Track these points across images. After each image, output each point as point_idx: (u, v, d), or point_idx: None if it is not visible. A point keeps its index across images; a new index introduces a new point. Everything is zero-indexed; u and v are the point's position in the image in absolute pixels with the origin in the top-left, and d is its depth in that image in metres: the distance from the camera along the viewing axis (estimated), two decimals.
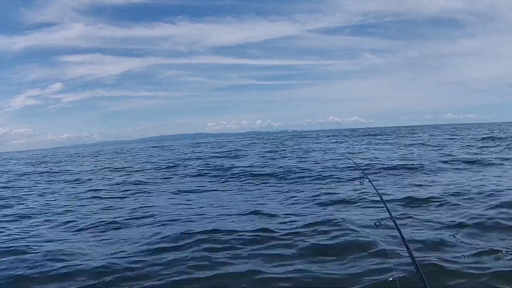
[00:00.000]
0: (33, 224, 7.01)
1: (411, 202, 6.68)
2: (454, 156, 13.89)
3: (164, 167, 16.96)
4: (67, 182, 13.89)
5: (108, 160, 25.96)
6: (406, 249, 2.31)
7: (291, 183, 10.22)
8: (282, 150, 24.15)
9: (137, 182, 12.28)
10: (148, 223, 6.49)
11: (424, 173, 10.38)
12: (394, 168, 11.49)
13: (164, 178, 13.02)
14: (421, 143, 22.88)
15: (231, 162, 16.76)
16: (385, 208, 3.37)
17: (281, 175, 11.52)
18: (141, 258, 4.57)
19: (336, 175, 10.87)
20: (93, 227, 6.48)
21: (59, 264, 4.47)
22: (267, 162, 16.16)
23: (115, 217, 7.05)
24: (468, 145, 19.50)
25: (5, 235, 6.10)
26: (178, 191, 10.12)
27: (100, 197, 9.98)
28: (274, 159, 17.51)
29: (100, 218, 7.05)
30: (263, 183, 10.62)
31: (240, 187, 10.21)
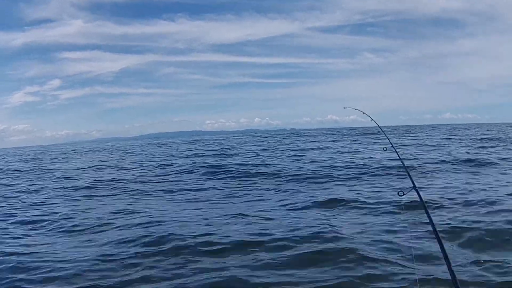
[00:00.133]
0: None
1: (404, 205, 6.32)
2: (451, 156, 13.58)
3: (156, 165, 16.60)
4: (53, 179, 13.54)
5: (101, 157, 25.58)
6: (431, 226, 2.29)
7: (281, 183, 9.87)
8: (277, 148, 23.81)
9: (123, 181, 11.97)
10: (123, 225, 6.17)
11: (420, 174, 10.02)
12: (390, 168, 11.13)
13: (153, 177, 12.68)
14: (418, 143, 22.59)
15: (223, 161, 16.42)
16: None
17: (273, 175, 11.20)
18: (106, 265, 4.25)
19: (329, 174, 10.56)
20: (57, 229, 6.15)
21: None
22: (258, 161, 15.82)
23: (84, 219, 6.73)
24: (466, 146, 19.22)
25: None
26: (164, 190, 9.77)
27: (76, 196, 9.66)
28: (268, 157, 17.19)
29: (70, 219, 6.75)
30: (253, 183, 10.28)
31: (229, 187, 9.87)
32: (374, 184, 8.93)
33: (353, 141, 29.50)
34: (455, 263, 3.77)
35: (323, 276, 3.82)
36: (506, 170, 10.33)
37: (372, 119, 5.90)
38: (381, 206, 6.49)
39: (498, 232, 4.77)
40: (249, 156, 18.77)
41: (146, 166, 16.78)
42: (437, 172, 10.32)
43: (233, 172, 12.30)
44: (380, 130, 5.66)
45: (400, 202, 6.27)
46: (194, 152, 24.24)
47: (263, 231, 5.29)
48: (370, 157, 14.74)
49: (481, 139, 23.80)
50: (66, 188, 11.08)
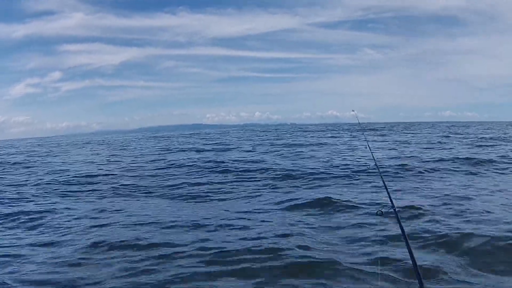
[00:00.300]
0: None
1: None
2: (451, 155, 13.24)
3: (147, 160, 16.28)
4: (40, 174, 13.23)
5: (96, 151, 25.27)
6: (405, 244, 2.14)
7: (267, 183, 9.45)
8: (273, 144, 23.47)
9: (108, 176, 11.69)
10: (80, 228, 5.86)
11: (413, 176, 9.65)
12: (383, 168, 10.75)
13: (139, 172, 12.30)
14: (417, 141, 22.25)
15: (217, 156, 16.09)
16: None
17: (260, 172, 10.86)
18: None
19: (317, 174, 10.15)
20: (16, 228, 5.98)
21: None
22: (251, 157, 15.49)
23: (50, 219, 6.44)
24: (466, 144, 18.88)
25: None
26: (142, 188, 9.44)
27: (53, 193, 9.35)
28: (262, 153, 16.86)
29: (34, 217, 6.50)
30: (236, 180, 9.97)
31: (212, 184, 9.54)
32: (363, 185, 8.58)
33: (353, 137, 29.19)
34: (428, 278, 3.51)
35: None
36: (504, 170, 10.00)
37: (360, 123, 5.68)
38: (358, 210, 6.16)
39: (482, 245, 4.38)
40: (244, 151, 18.44)
41: (136, 160, 16.44)
42: (433, 172, 9.98)
43: (223, 168, 11.97)
44: (363, 134, 5.35)
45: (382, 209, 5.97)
46: (190, 146, 23.92)
47: (232, 238, 4.97)
48: (363, 156, 14.40)
49: (481, 138, 23.47)
50: (48, 182, 10.82)
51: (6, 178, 12.62)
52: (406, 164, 11.22)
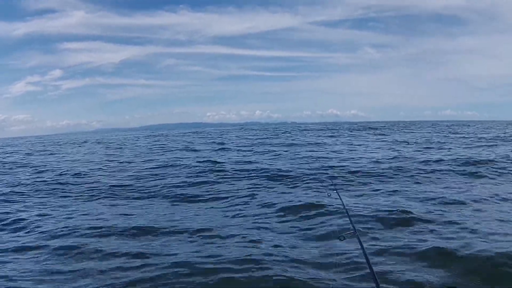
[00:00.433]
0: None
1: (370, 220, 5.63)
2: (449, 155, 12.97)
3: (137, 160, 16.02)
4: (24, 174, 13.00)
5: (90, 150, 25.01)
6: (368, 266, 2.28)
7: (252, 185, 9.13)
8: (271, 143, 23.19)
9: (79, 176, 11.53)
10: (58, 232, 5.70)
11: (409, 178, 9.30)
12: (374, 171, 10.41)
13: (123, 175, 11.92)
14: (416, 141, 21.99)
15: (209, 156, 15.82)
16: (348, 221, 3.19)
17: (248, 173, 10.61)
18: None
19: (301, 177, 9.74)
20: None
21: None
22: (243, 157, 15.24)
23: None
24: (465, 144, 18.62)
25: None
26: (121, 190, 9.21)
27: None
28: (256, 153, 16.59)
29: None
30: (219, 182, 9.76)
31: (195, 186, 9.29)
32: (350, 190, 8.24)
33: (352, 136, 28.94)
34: None
35: None
36: (502, 171, 9.72)
37: None
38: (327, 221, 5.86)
39: (466, 262, 3.99)
40: (240, 151, 18.18)
41: (128, 160, 16.19)
42: (430, 174, 9.69)
43: (212, 169, 11.71)
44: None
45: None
46: (187, 145, 23.69)
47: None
48: (361, 157, 14.16)
49: (481, 137, 23.21)
50: (33, 183, 10.63)
51: None
52: (402, 166, 10.94)
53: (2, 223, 6.48)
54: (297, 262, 4.15)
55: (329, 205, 6.31)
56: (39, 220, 6.58)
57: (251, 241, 4.90)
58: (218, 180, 9.94)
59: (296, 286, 3.63)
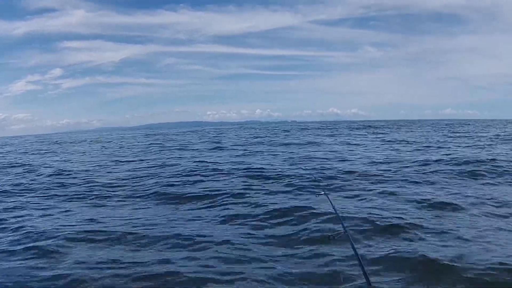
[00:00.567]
0: None
1: (361, 223, 5.36)
2: (448, 156, 12.71)
3: (123, 160, 15.78)
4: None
5: (84, 149, 24.74)
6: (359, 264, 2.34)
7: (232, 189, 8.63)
8: (269, 143, 22.94)
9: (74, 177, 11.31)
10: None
11: (395, 183, 8.69)
12: (370, 172, 10.14)
13: (101, 175, 11.77)
14: (416, 141, 21.74)
15: (199, 156, 15.58)
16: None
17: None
18: None
19: (293, 177, 9.35)
20: None
21: None
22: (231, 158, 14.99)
23: None
24: (465, 143, 18.37)
25: None
26: (93, 190, 9.00)
27: None
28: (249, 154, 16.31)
29: None
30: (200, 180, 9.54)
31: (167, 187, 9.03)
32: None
33: (351, 135, 28.70)
34: None
35: None
36: (500, 174, 9.45)
37: None
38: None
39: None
40: (234, 150, 17.91)
41: (115, 160, 15.95)
42: (425, 176, 9.43)
43: (200, 170, 11.42)
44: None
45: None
46: (181, 145, 23.45)
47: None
48: (358, 157, 13.91)
49: (480, 137, 22.96)
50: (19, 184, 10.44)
51: None
52: (399, 168, 10.70)
53: None
54: (286, 268, 3.93)
55: (319, 207, 6.08)
56: (20, 221, 6.38)
57: (237, 248, 4.68)
58: (206, 180, 9.68)
59: None
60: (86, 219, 6.37)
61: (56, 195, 8.86)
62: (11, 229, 5.93)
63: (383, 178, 9.16)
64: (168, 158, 15.66)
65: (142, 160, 15.45)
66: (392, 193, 7.43)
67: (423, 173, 9.77)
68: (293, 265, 4.11)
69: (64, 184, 10.18)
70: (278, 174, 9.90)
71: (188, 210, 6.94)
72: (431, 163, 11.24)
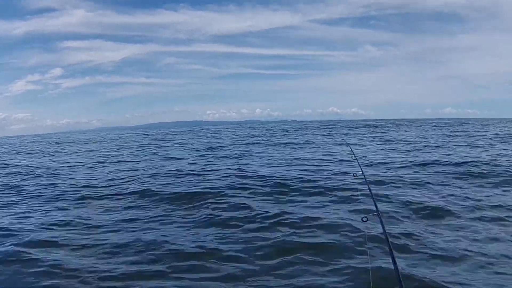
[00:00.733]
0: None
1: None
2: (442, 158, 12.46)
3: (106, 160, 15.56)
4: None
5: (73, 150, 24.47)
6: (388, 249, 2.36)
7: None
8: (265, 143, 22.69)
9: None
10: None
11: (392, 186, 8.28)
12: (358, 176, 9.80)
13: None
14: (415, 140, 21.49)
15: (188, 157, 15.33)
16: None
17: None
18: None
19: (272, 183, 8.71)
20: None
21: None
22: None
23: None
24: (464, 143, 18.11)
25: None
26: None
27: None
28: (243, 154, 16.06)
29: None
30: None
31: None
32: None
33: (348, 135, 28.48)
34: None
35: None
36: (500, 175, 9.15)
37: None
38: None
39: None
40: (228, 150, 17.66)
41: (98, 162, 15.68)
42: (422, 178, 9.15)
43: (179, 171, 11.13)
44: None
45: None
46: (176, 144, 23.20)
47: None
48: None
49: (480, 136, 22.71)
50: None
51: None
52: (396, 169, 10.45)
53: None
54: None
55: (288, 214, 5.90)
56: None
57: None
58: (183, 183, 9.39)
59: None
60: (51, 223, 6.14)
61: (30, 195, 8.68)
62: None
63: (379, 180, 8.91)
64: (159, 160, 15.41)
65: (131, 161, 15.23)
66: (386, 196, 7.18)
67: (421, 174, 9.52)
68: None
69: (41, 184, 9.99)
70: (262, 177, 9.59)
71: (164, 212, 6.65)
72: (430, 164, 10.98)
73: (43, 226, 6.02)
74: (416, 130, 33.62)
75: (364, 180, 4.07)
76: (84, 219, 6.37)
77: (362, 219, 2.81)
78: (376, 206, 3.04)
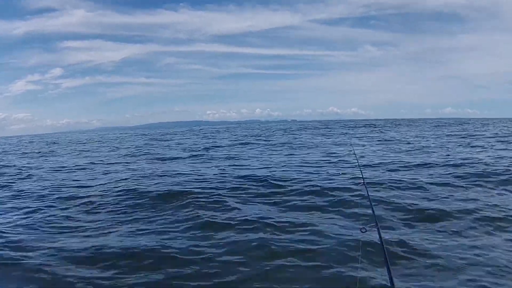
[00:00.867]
0: None
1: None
2: (438, 159, 12.28)
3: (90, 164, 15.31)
4: None
5: (65, 151, 24.25)
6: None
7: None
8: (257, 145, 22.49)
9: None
10: None
11: (388, 188, 7.99)
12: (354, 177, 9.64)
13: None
14: (413, 141, 21.31)
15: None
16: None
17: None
18: None
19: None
20: None
21: None
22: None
23: None
24: (466, 144, 17.91)
25: None
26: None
27: None
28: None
29: None
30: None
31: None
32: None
33: (349, 135, 28.30)
34: None
35: None
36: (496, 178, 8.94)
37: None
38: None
39: None
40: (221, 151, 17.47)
41: (87, 163, 15.43)
42: (417, 182, 8.97)
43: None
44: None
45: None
46: (172, 145, 23.02)
47: None
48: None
49: (479, 136, 22.51)
50: None
51: None
52: (393, 171, 10.26)
53: None
54: None
55: (279, 217, 5.70)
56: None
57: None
58: (171, 184, 9.12)
59: None
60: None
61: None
62: None
63: (376, 181, 8.71)
64: (151, 160, 15.22)
65: (123, 162, 15.00)
66: (382, 198, 6.98)
67: (419, 176, 9.31)
68: None
69: (28, 185, 9.82)
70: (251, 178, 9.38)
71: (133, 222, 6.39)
72: (428, 165, 10.78)
73: (25, 228, 5.86)
74: (415, 130, 33.44)
75: (363, 183, 3.90)
76: (68, 221, 6.20)
77: (360, 230, 2.77)
78: (375, 217, 2.91)
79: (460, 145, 16.94)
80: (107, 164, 14.74)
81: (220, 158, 14.91)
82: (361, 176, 4.28)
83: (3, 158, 20.45)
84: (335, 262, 4.13)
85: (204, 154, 16.62)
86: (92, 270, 4.18)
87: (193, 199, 7.13)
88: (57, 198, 8.10)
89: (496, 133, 24.33)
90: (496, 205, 6.25)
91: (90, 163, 15.29)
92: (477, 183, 8.33)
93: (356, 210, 6.07)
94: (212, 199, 7.17)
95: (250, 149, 18.81)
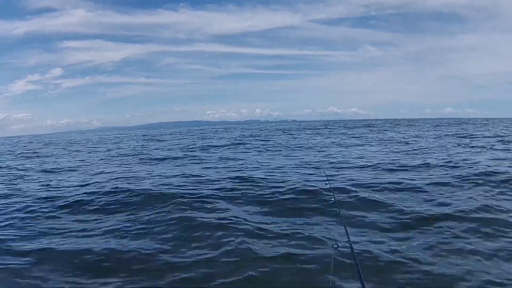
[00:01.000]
0: None
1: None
2: (437, 160, 12.04)
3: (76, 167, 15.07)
4: None
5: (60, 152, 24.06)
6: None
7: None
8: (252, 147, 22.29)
9: None
10: None
11: (385, 190, 7.76)
12: (353, 178, 9.56)
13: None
14: (411, 141, 21.09)
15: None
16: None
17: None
18: None
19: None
20: None
21: None
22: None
23: None
24: (465, 145, 17.67)
25: None
26: None
27: None
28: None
29: None
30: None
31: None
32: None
33: (348, 135, 28.08)
34: None
35: None
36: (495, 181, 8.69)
37: None
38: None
39: None
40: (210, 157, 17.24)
41: (78, 165, 15.21)
42: (416, 184, 8.72)
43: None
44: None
45: None
46: (169, 145, 22.81)
47: None
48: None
49: (479, 136, 22.28)
50: None
51: None
52: (391, 173, 10.03)
53: None
54: None
55: (236, 223, 5.47)
56: None
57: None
58: (159, 185, 8.90)
59: None
60: None
61: None
62: None
63: (372, 183, 8.47)
64: (144, 161, 15.04)
65: (115, 163, 14.81)
66: (375, 202, 6.75)
67: (417, 177, 9.07)
68: None
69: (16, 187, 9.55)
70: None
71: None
72: (427, 165, 10.55)
73: (9, 229, 5.75)
74: (415, 130, 33.23)
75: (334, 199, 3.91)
76: (53, 222, 6.08)
77: (332, 246, 2.74)
78: (347, 234, 2.86)
79: (460, 145, 16.71)
80: (100, 165, 14.56)
81: (213, 158, 14.72)
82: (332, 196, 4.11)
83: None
84: (316, 268, 3.94)
85: (198, 155, 16.42)
86: (77, 271, 4.14)
87: (179, 200, 6.96)
88: (44, 198, 7.92)
89: (496, 133, 24.10)
90: (494, 207, 6.03)
91: (83, 164, 15.11)
92: (476, 183, 8.11)
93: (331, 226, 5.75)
94: (199, 200, 7.02)
95: (245, 150, 18.62)
